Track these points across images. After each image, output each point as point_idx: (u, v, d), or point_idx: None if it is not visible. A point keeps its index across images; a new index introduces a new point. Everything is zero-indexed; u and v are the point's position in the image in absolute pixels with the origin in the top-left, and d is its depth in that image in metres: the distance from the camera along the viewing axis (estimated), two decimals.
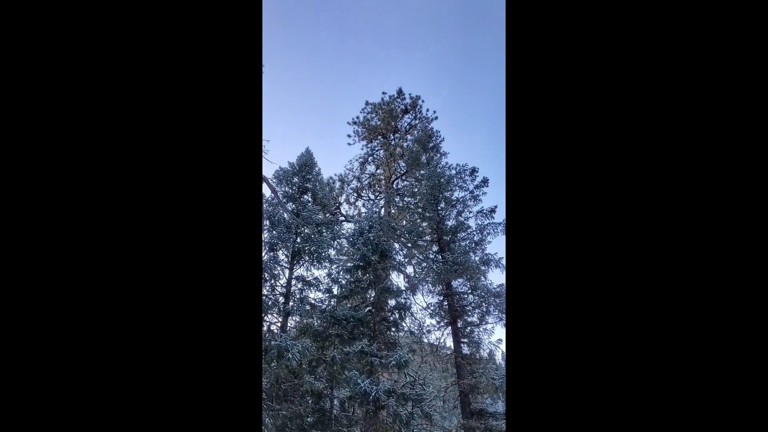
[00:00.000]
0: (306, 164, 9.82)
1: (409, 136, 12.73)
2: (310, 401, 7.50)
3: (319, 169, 10.07)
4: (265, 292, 8.04)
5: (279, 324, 8.04)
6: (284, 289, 8.40)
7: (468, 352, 8.07)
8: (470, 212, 9.22)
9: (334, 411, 7.68)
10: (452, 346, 8.42)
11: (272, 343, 7.28)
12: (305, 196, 9.66)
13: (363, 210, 12.91)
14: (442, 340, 9.09)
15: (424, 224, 9.74)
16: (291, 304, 8.19)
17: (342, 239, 9.98)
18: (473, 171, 9.76)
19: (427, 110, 12.95)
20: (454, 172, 9.93)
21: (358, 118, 13.53)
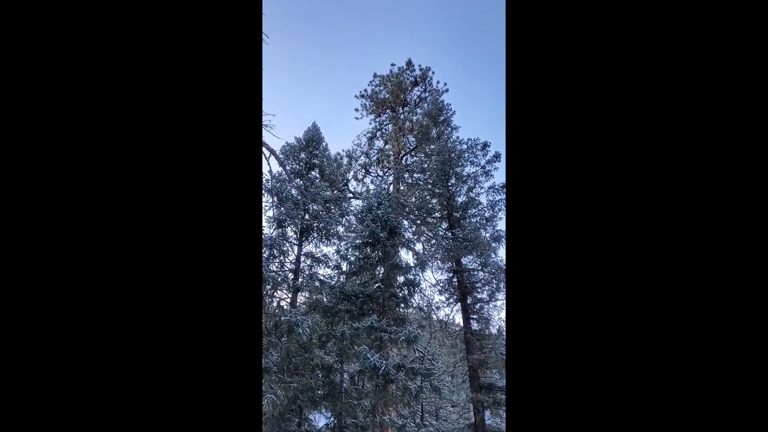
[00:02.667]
0: (313, 139, 9.59)
1: (418, 110, 12.34)
2: (320, 375, 7.62)
3: (327, 145, 9.84)
4: (274, 268, 8.05)
5: (289, 300, 8.08)
6: (293, 266, 8.40)
7: (477, 328, 8.06)
8: (481, 188, 9.01)
9: (344, 384, 7.81)
10: (461, 323, 8.42)
11: (282, 318, 7.34)
12: (313, 173, 9.49)
13: (371, 186, 12.73)
14: (451, 317, 9.10)
15: (434, 201, 9.57)
16: (300, 280, 8.20)
17: (350, 216, 9.87)
18: (485, 145, 9.47)
19: (438, 82, 12.50)
20: (465, 146, 9.64)
21: (365, 91, 13.14)
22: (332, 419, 7.77)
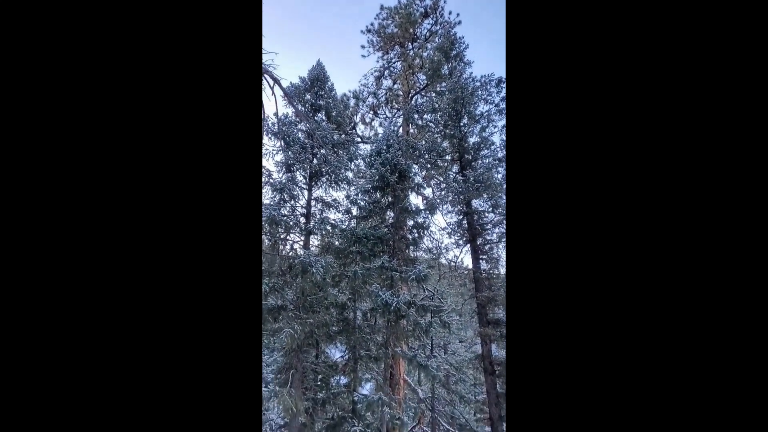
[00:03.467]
0: (318, 79, 9.12)
1: (429, 45, 11.52)
2: (334, 312, 7.99)
3: (332, 84, 9.37)
4: (285, 212, 8.11)
5: (302, 243, 8.25)
6: (304, 210, 8.45)
7: (486, 268, 8.21)
8: (495, 127, 8.66)
9: (358, 321, 8.21)
10: (470, 264, 8.57)
11: (296, 260, 7.54)
12: (319, 115, 9.17)
13: (380, 129, 12.35)
14: (460, 258, 9.25)
15: (445, 143, 9.27)
16: (312, 224, 8.30)
17: (359, 160, 9.69)
18: (499, 81, 8.93)
19: (450, 13, 11.51)
20: (478, 84, 9.11)
21: (372, 25, 12.23)
22: (347, 352, 8.30)
